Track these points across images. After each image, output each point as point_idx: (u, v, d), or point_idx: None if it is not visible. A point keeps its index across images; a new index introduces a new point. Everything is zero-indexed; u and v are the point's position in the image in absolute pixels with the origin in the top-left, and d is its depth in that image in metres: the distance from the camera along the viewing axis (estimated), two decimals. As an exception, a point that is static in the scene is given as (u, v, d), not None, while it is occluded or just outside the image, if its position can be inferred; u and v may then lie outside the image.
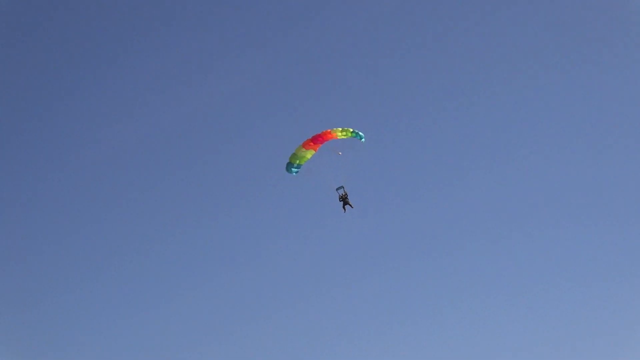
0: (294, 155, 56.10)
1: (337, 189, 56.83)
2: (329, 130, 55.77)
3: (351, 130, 55.42)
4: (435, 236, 75.13)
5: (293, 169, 56.35)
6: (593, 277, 66.36)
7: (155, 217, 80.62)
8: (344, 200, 57.15)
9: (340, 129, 55.60)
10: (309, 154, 56.15)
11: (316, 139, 55.65)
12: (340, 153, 55.51)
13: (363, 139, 55.51)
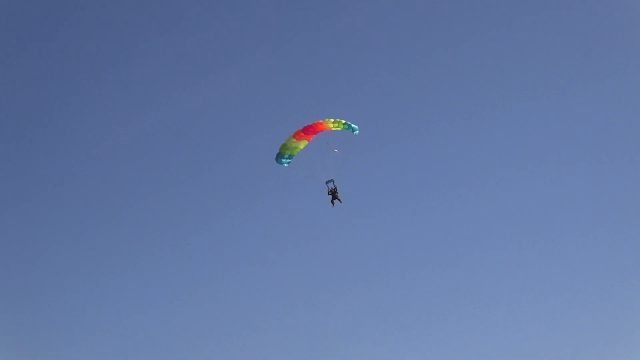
0: (284, 146, 54.67)
1: (326, 182, 55.36)
2: (320, 121, 54.33)
3: (343, 121, 53.98)
4: (433, 236, 74.99)
5: (284, 160, 54.95)
6: (592, 281, 66.80)
7: (147, 218, 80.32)
8: (333, 194, 55.65)
9: (332, 120, 54.16)
10: (302, 145, 54.72)
11: (308, 130, 54.23)
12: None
13: (357, 132, 54.07)
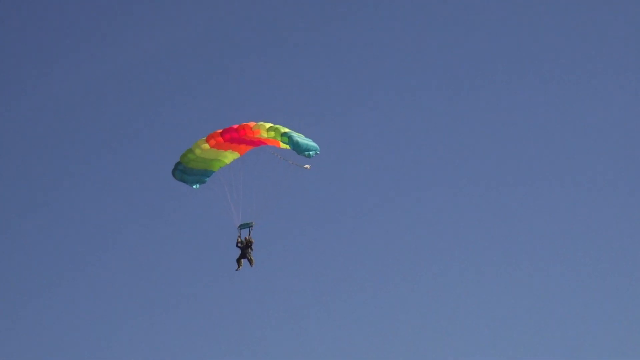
0: (192, 155, 34.58)
1: (239, 226, 34.44)
2: (249, 124, 34.25)
3: (284, 130, 33.61)
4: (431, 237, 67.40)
5: (191, 177, 34.85)
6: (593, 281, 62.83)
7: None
8: (244, 248, 34.39)
9: (268, 125, 33.95)
10: (226, 158, 34.70)
11: (232, 135, 34.24)
12: (308, 166, 33.94)
13: (310, 153, 33.50)
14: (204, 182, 35.05)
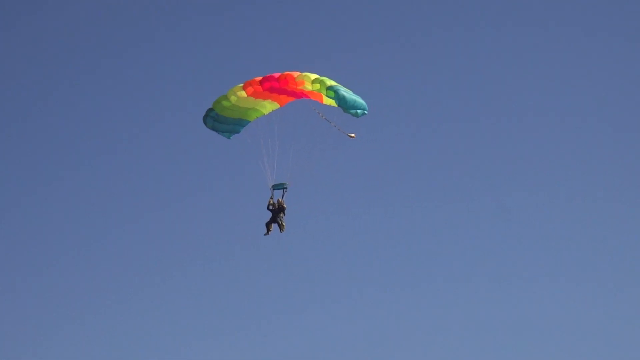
0: (227, 102, 30.95)
1: (272, 186, 30.90)
2: (292, 74, 30.46)
3: (330, 83, 29.81)
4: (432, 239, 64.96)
5: (225, 127, 31.34)
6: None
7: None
8: (276, 211, 30.83)
9: (314, 77, 30.17)
10: (264, 107, 31.08)
11: (272, 85, 30.52)
12: (353, 135, 30.64)
13: (359, 112, 29.80)
14: (238, 132, 31.54)
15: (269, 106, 31.25)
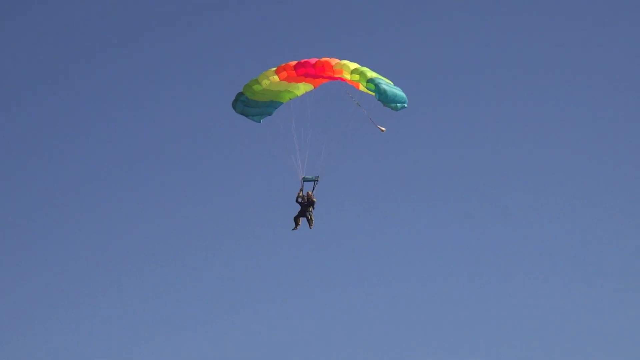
0: (257, 86, 29.08)
1: (302, 179, 29.30)
2: (330, 61, 28.57)
3: (371, 75, 27.96)
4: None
5: (255, 110, 29.58)
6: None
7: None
8: (305, 204, 29.28)
9: (353, 67, 28.31)
10: (297, 90, 29.29)
11: (307, 68, 28.63)
12: (383, 129, 28.96)
13: (398, 106, 28.02)
14: (270, 113, 29.78)
15: (302, 87, 29.51)
